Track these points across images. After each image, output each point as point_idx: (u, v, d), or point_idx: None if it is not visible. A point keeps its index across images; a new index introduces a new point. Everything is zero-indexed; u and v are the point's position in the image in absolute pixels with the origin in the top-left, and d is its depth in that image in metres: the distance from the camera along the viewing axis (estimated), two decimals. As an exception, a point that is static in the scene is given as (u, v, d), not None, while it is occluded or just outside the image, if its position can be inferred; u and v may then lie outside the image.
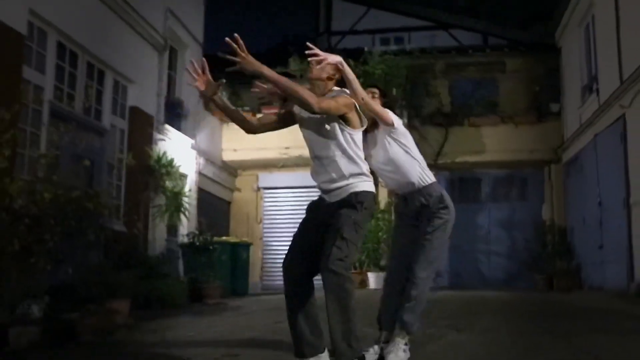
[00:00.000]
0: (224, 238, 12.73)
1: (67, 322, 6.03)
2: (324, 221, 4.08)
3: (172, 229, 12.42)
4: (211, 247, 11.39)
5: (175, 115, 13.04)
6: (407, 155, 4.57)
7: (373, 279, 13.14)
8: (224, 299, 10.78)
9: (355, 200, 4.00)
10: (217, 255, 11.59)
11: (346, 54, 15.44)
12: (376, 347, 4.47)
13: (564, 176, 15.78)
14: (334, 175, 4.07)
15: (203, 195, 14.00)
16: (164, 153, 11.35)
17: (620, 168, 11.58)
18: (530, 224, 15.90)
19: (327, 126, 4.08)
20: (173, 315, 8.12)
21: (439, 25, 19.21)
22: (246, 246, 13.16)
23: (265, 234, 16.32)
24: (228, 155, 15.51)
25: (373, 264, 13.79)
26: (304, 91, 3.94)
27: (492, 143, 15.56)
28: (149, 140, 11.52)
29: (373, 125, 4.53)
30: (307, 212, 4.36)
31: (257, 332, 6.32)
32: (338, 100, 4.04)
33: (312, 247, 4.07)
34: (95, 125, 10.14)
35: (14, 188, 5.95)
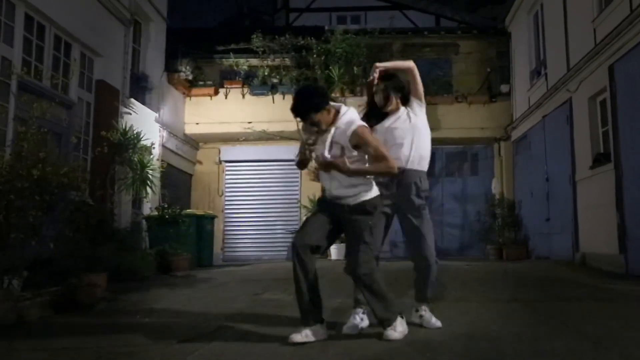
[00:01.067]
0: (189, 211, 12.58)
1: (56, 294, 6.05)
2: (339, 216, 4.43)
3: (136, 202, 12.20)
4: (180, 220, 11.30)
5: (140, 88, 12.82)
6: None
7: (335, 251, 13.14)
8: (191, 270, 10.72)
9: (369, 206, 4.40)
10: (186, 227, 11.50)
11: (305, 31, 15.66)
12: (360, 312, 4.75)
13: (513, 153, 16.13)
14: (345, 184, 4.40)
15: (166, 168, 13.58)
16: (131, 126, 11.03)
17: (567, 147, 11.96)
18: (481, 197, 16.23)
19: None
20: (147, 288, 8.06)
21: (394, 6, 19.22)
22: (211, 218, 13.06)
23: (227, 207, 16.19)
24: (190, 129, 15.35)
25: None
26: (379, 167, 4.37)
27: (447, 121, 15.67)
28: (115, 114, 11.26)
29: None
30: (320, 206, 4.68)
31: (241, 303, 6.42)
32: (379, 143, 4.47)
33: (322, 227, 4.43)
34: (63, 98, 9.84)
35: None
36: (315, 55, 15.10)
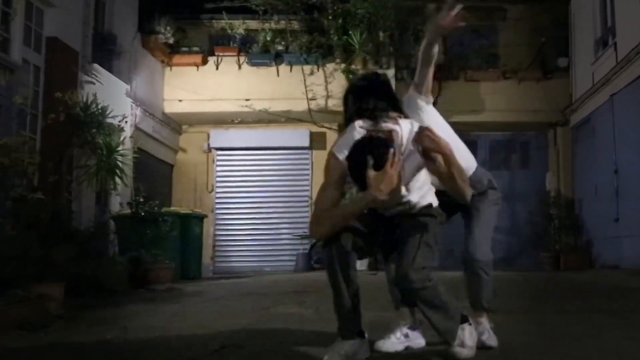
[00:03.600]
0: (172, 209, 11.83)
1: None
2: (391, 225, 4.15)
3: (102, 197, 11.43)
4: (160, 220, 10.41)
5: (106, 52, 12.05)
6: None
7: (358, 262, 12.10)
8: (174, 283, 9.84)
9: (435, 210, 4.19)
10: (168, 227, 10.65)
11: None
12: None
13: (572, 141, 15.77)
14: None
15: (140, 155, 12.67)
16: (94, 98, 9.97)
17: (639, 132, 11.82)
18: (533, 195, 15.84)
19: None
20: (117, 303, 7.36)
21: None
22: (199, 219, 12.24)
23: (218, 206, 15.54)
24: (171, 106, 14.59)
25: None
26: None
27: (492, 101, 15.28)
28: (73, 82, 10.36)
29: None
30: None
31: (246, 319, 6.00)
32: None
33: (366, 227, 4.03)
34: (2, 59, 8.92)
35: None
36: (330, 17, 14.48)
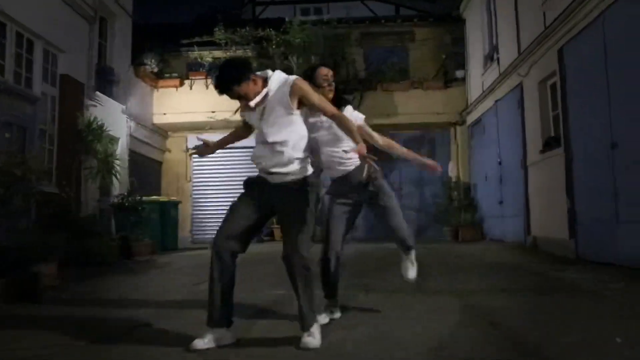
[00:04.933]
0: (153, 197, 12.67)
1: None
2: (269, 202, 4.07)
3: (106, 190, 12.24)
4: (140, 208, 11.36)
5: (106, 82, 12.82)
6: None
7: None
8: (153, 255, 10.84)
9: (306, 184, 4.04)
10: (147, 213, 11.55)
11: (268, 23, 15.67)
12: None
13: (469, 137, 16.14)
14: (284, 159, 3.99)
15: (135, 156, 13.90)
16: (94, 118, 11.16)
17: (518, 131, 11.83)
18: (439, 181, 16.17)
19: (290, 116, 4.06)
20: (102, 274, 8.03)
21: None
22: (175, 204, 13.15)
23: (194, 192, 16.32)
24: (158, 119, 15.44)
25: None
26: (348, 122, 4.10)
27: (404, 107, 15.72)
28: (80, 107, 11.29)
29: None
30: (247, 190, 4.22)
31: (177, 294, 6.21)
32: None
33: (249, 226, 4.06)
34: (26, 93, 9.83)
35: None
36: (274, 46, 15.08)
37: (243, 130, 4.46)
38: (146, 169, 14.72)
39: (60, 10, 10.79)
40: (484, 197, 14.69)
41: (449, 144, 16.69)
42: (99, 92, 12.26)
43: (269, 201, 4.07)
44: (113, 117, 12.53)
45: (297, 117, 4.04)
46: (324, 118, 4.33)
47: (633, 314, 4.67)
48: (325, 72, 4.59)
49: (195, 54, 15.81)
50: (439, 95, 16.12)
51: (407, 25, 17.33)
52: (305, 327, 3.90)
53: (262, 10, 19.77)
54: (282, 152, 3.96)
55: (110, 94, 12.82)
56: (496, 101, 13.42)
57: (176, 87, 15.50)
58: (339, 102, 4.53)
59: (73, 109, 10.97)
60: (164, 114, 15.34)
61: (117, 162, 11.80)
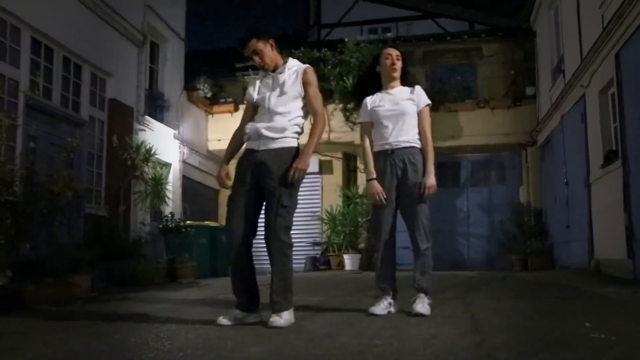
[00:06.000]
0: (205, 222, 13.03)
1: (16, 291, 6.29)
2: (258, 181, 4.53)
3: (158, 214, 12.75)
4: (183, 230, 11.76)
5: (157, 107, 13.45)
6: None
7: (349, 261, 13.44)
8: (199, 278, 11.10)
9: (289, 157, 4.51)
10: (194, 237, 11.94)
11: (329, 45, 15.81)
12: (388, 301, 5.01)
13: (540, 158, 15.71)
14: (278, 126, 4.55)
15: (188, 183, 14.39)
16: (142, 142, 11.68)
17: (582, 148, 11.60)
18: (508, 206, 15.81)
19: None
20: (138, 291, 8.38)
21: (426, 15, 19.33)
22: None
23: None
24: (213, 145, 15.80)
25: (350, 246, 14.08)
26: (321, 129, 4.66)
27: (469, 128, 15.59)
28: (129, 131, 11.82)
29: None
30: (239, 174, 4.67)
31: (202, 305, 6.43)
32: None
33: (252, 210, 4.58)
34: (74, 116, 10.48)
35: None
36: (330, 67, 15.13)
37: (250, 116, 4.84)
38: (201, 196, 15.17)
39: (107, 34, 11.45)
40: (554, 222, 14.33)
41: (520, 167, 16.34)
42: (149, 116, 12.85)
43: (257, 181, 4.52)
44: (164, 142, 13.14)
45: (301, 101, 4.65)
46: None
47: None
48: (389, 51, 5.20)
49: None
50: (508, 114, 15.83)
51: (475, 41, 17.14)
52: (276, 309, 4.34)
53: (327, 32, 20.08)
54: (279, 120, 4.53)
55: (161, 119, 13.44)
56: (562, 116, 13.16)
57: (231, 112, 15.75)
58: (406, 82, 5.22)
59: (122, 132, 11.50)
60: (219, 140, 15.45)
61: (169, 187, 12.37)
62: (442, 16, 19.19)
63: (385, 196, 4.98)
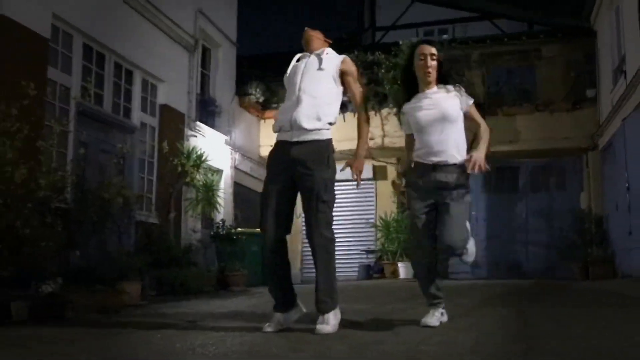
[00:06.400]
0: (257, 230, 12.92)
1: (65, 299, 6.25)
2: (292, 177, 4.49)
3: (209, 221, 12.81)
4: (235, 237, 11.82)
5: (209, 112, 13.54)
6: None
7: (403, 269, 13.29)
8: (250, 287, 11.10)
9: (327, 151, 4.49)
10: (246, 245, 11.94)
11: (383, 48, 15.82)
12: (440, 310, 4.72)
13: (601, 163, 15.46)
14: (312, 112, 4.50)
15: (240, 189, 14.46)
16: (193, 148, 11.79)
17: None
18: (569, 213, 15.60)
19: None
20: (188, 300, 8.40)
21: (484, 16, 19.08)
22: (255, 235, 13.30)
23: (304, 227, 16.37)
24: (266, 151, 15.30)
25: (405, 254, 13.87)
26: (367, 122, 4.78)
27: (527, 132, 15.37)
28: (180, 137, 11.99)
29: None
30: (273, 169, 4.66)
31: (252, 313, 6.41)
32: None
33: (286, 208, 4.56)
34: (125, 122, 10.67)
35: (18, 175, 6.27)
36: (383, 71, 15.00)
37: None
38: (252, 202, 15.04)
39: (159, 40, 11.61)
40: (616, 229, 14.08)
41: (581, 172, 16.06)
42: (201, 122, 12.96)
43: (292, 177, 4.49)
44: (216, 148, 13.23)
45: (338, 89, 4.67)
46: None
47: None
48: (423, 49, 4.60)
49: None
50: (567, 118, 15.56)
51: (533, 43, 16.87)
52: (321, 310, 4.33)
53: (382, 35, 19.83)
54: (311, 105, 4.48)
55: (212, 125, 13.54)
56: (623, 119, 12.93)
57: (283, 117, 15.72)
58: (442, 81, 4.66)
59: (173, 139, 11.65)
60: (271, 145, 15.21)
61: (220, 193, 12.41)
62: (500, 17, 18.83)
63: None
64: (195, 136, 12.59)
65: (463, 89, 4.71)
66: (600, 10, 15.20)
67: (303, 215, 4.54)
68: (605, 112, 14.75)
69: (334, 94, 4.63)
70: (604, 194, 15.29)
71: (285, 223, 4.55)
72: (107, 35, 10.05)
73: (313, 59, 4.70)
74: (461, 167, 4.44)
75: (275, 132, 4.76)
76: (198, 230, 12.42)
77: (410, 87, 4.71)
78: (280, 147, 4.60)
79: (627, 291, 8.81)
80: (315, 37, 4.79)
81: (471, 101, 4.67)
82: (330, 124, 4.55)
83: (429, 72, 4.54)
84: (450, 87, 4.61)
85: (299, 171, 4.42)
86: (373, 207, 16.55)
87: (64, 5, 8.97)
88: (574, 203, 15.87)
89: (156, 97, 11.67)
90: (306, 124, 4.44)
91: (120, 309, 6.79)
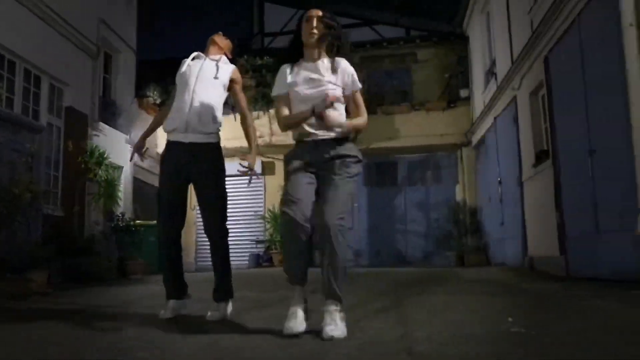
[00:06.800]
0: (154, 222, 14.25)
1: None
2: (187, 176, 4.87)
3: (110, 215, 14.02)
4: (134, 229, 13.12)
5: (110, 113, 14.86)
6: None
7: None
8: (148, 275, 12.12)
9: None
10: (144, 236, 13.21)
11: (272, 52, 17.32)
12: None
13: (475, 158, 16.92)
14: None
15: (139, 184, 15.75)
16: (96, 147, 13.09)
17: (514, 148, 12.42)
18: (445, 204, 17.08)
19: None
20: (91, 287, 9.27)
21: (365, 22, 20.44)
22: None
23: (199, 219, 17.18)
24: (162, 147, 17.01)
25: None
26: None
27: (405, 129, 16.75)
28: (84, 136, 13.24)
29: None
30: (167, 169, 4.92)
31: (149, 300, 6.91)
32: None
33: (180, 204, 4.92)
34: (34, 124, 11.50)
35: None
36: (271, 74, 15.37)
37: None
38: (152, 196, 16.19)
39: (64, 47, 12.91)
40: (488, 220, 15.32)
41: (456, 166, 17.56)
42: (103, 122, 14.30)
43: (186, 176, 4.89)
44: (117, 146, 14.56)
45: (225, 96, 5.14)
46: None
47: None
48: (310, 12, 4.25)
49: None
50: (442, 116, 17.03)
51: (410, 47, 18.67)
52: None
53: (270, 40, 21.28)
54: (204, 109, 4.91)
55: (114, 125, 14.89)
56: (495, 118, 14.12)
57: (178, 117, 16.96)
58: (330, 50, 4.28)
59: (77, 138, 12.92)
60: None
61: (120, 188, 13.82)
62: (379, 23, 20.35)
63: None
64: (98, 135, 13.87)
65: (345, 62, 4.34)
66: (472, 16, 16.57)
67: (198, 207, 4.86)
68: (478, 110, 16.12)
69: (222, 101, 5.01)
70: (477, 187, 16.78)
71: (180, 218, 4.89)
72: (18, 44, 11.24)
73: (209, 64, 5.05)
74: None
75: (166, 131, 4.94)
76: (100, 222, 13.62)
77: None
78: (174, 147, 4.86)
79: (498, 278, 9.52)
80: (219, 45, 5.19)
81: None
82: (219, 128, 4.92)
83: (313, 34, 4.17)
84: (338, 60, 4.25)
85: (194, 171, 4.77)
86: (262, 201, 18.02)
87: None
88: (449, 196, 17.39)
89: (62, 100, 12.90)
90: (201, 127, 4.77)
91: (28, 296, 7.43)
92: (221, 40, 5.26)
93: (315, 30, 4.16)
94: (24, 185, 9.29)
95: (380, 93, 18.00)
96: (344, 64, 4.22)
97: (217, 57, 5.14)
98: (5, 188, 9.10)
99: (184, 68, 5.06)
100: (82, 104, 13.53)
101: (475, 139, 16.69)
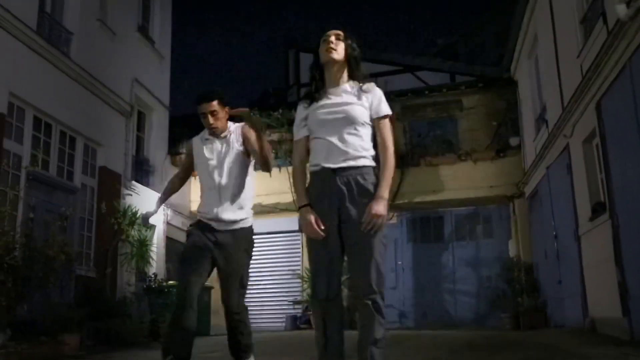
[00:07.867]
0: None
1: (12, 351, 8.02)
2: (212, 256, 5.20)
3: (143, 274, 15.10)
4: (166, 290, 13.88)
5: (143, 171, 16.15)
6: None
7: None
8: None
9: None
10: (171, 297, 13.41)
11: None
12: None
13: (528, 210, 17.07)
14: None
15: (172, 243, 16.79)
16: (129, 206, 14.28)
17: (569, 199, 12.44)
18: (497, 261, 17.16)
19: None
20: (122, 350, 10.01)
21: (407, 69, 21.06)
22: (206, 289, 14.92)
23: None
24: (196, 206, 17.81)
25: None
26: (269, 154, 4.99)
27: (451, 181, 17.18)
28: (117, 196, 14.48)
29: None
30: (195, 240, 5.25)
31: None
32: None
33: (203, 273, 5.22)
34: (68, 184, 13.08)
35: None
36: None
37: (184, 173, 5.88)
38: None
39: (98, 107, 14.32)
40: (545, 277, 15.30)
41: (508, 220, 17.74)
42: (136, 181, 15.60)
43: (212, 256, 5.27)
44: (150, 205, 14.99)
45: (248, 164, 5.44)
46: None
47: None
48: (328, 33, 4.40)
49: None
50: (491, 166, 17.43)
51: (455, 94, 19.18)
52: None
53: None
54: (232, 199, 5.36)
55: (147, 183, 16.20)
56: (547, 167, 14.30)
57: (212, 173, 18.10)
58: (352, 74, 4.40)
59: (110, 198, 14.13)
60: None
61: (153, 248, 14.92)
62: (422, 69, 20.87)
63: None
64: (131, 194, 15.15)
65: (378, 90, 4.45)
66: (520, 60, 17.05)
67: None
68: (529, 159, 16.31)
69: (248, 177, 5.32)
70: (532, 241, 16.76)
71: (200, 282, 5.20)
72: (54, 107, 12.50)
73: (220, 146, 5.36)
74: None
75: (199, 213, 5.44)
76: (132, 283, 14.61)
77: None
78: (204, 226, 5.25)
79: (554, 342, 9.63)
80: (220, 114, 5.31)
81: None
82: (250, 209, 5.24)
83: (330, 50, 4.30)
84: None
85: (221, 255, 5.15)
86: (299, 258, 18.32)
87: (19, 83, 11.46)
88: (502, 251, 17.42)
89: (96, 159, 14.25)
90: (231, 217, 5.16)
91: (61, 359, 8.23)
92: (219, 109, 5.39)
93: (332, 45, 4.28)
94: (58, 247, 10.38)
95: (423, 144, 18.72)
96: (371, 85, 4.33)
97: (224, 133, 5.40)
98: (40, 250, 10.15)
99: (195, 152, 5.57)
100: (115, 163, 14.79)
101: (528, 189, 16.91)
